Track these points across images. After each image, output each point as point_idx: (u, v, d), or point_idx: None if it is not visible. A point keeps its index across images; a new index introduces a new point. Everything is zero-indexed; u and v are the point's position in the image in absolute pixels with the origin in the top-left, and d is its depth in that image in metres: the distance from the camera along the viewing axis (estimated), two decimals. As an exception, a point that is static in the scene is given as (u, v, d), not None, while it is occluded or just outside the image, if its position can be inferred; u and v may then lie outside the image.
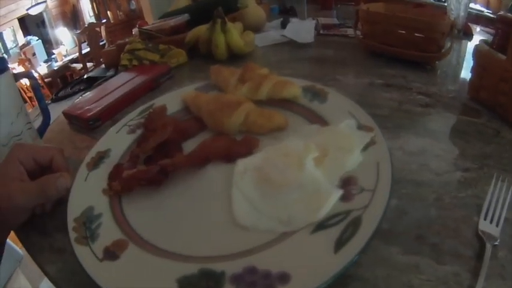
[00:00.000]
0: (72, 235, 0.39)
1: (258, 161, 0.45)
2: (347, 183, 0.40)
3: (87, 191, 0.46)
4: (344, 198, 0.38)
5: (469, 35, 0.95)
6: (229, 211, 0.40)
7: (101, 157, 0.51)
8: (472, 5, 1.07)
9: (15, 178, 0.43)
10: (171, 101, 0.62)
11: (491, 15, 1.16)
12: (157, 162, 0.46)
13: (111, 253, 0.37)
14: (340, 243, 0.33)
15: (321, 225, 0.36)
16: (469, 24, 0.96)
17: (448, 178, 0.46)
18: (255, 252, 0.35)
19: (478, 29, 1.01)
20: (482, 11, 1.27)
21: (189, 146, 0.52)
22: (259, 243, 0.36)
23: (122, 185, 0.44)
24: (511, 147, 0.51)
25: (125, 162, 0.50)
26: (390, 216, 0.41)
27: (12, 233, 0.47)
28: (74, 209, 0.42)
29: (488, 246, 0.36)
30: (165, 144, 0.51)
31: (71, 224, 0.40)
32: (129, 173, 0.45)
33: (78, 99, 0.82)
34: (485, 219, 0.40)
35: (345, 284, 0.35)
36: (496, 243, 0.37)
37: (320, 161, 0.43)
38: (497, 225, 0.38)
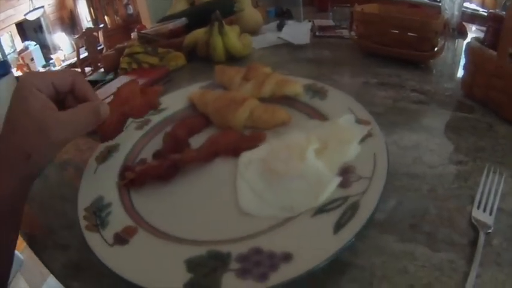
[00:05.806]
0: (83, 223, 0.40)
1: (262, 153, 0.47)
2: (346, 172, 0.42)
3: (96, 183, 0.47)
4: (342, 185, 0.40)
5: (463, 34, 0.96)
6: (235, 200, 0.42)
7: (109, 151, 0.52)
8: (467, 4, 1.08)
9: (43, 109, 0.35)
10: (177, 99, 0.64)
11: (485, 14, 1.16)
12: (167, 157, 0.47)
13: (121, 238, 0.38)
14: (339, 225, 0.35)
15: (321, 209, 0.37)
16: (464, 23, 0.97)
17: (441, 171, 0.48)
18: (259, 235, 0.36)
19: (473, 28, 1.02)
20: (477, 10, 1.28)
21: (195, 141, 0.54)
22: (263, 227, 0.38)
23: (134, 177, 0.45)
24: (504, 141, 0.52)
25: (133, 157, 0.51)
26: (385, 207, 0.42)
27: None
28: (84, 199, 0.44)
29: (482, 233, 0.37)
30: (174, 140, 0.53)
31: (81, 213, 0.42)
32: (141, 168, 0.46)
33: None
34: (478, 208, 0.41)
35: (343, 272, 0.36)
36: (490, 231, 0.38)
37: (321, 152, 0.44)
38: (490, 214, 0.39)
